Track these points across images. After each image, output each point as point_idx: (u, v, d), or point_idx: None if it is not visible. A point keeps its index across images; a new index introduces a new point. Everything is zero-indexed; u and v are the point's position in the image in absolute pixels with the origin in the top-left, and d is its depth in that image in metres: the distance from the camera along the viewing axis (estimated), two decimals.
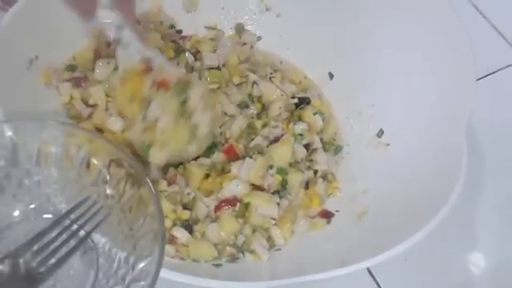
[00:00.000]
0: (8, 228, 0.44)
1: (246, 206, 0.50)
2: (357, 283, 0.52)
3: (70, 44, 0.55)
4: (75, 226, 0.43)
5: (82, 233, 0.43)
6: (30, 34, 0.50)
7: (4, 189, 0.44)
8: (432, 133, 0.51)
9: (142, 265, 0.39)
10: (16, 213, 0.45)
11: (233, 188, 0.51)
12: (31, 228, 0.43)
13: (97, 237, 0.43)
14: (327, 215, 0.52)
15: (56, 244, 0.42)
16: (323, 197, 0.54)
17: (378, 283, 0.52)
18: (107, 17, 0.49)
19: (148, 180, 0.41)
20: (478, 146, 0.63)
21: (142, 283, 0.38)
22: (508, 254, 0.57)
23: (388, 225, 0.47)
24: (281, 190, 0.53)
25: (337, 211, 0.53)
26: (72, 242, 0.42)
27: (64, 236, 0.42)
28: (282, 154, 0.53)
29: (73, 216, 0.43)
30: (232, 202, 0.50)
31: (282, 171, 0.53)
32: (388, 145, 0.56)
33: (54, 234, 0.42)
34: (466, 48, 0.52)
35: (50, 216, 0.45)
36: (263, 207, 0.50)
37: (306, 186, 0.54)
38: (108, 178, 0.43)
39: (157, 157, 0.49)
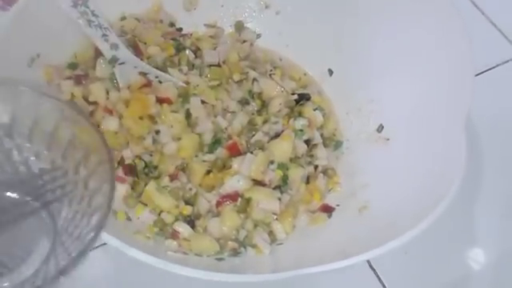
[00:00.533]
0: None
1: (248, 201, 0.51)
2: (357, 276, 0.52)
3: (71, 42, 0.55)
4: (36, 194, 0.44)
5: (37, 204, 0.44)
6: (31, 33, 0.50)
7: None
8: (431, 127, 0.51)
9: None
10: None
11: (234, 183, 0.51)
12: None
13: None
14: (328, 210, 0.53)
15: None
16: (324, 192, 0.54)
17: (378, 276, 0.53)
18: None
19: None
20: (477, 141, 0.63)
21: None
22: (508, 249, 0.57)
23: (388, 218, 0.47)
24: (282, 185, 0.53)
25: (337, 206, 0.53)
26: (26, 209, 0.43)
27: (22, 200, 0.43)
28: (282, 149, 0.53)
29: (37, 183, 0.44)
30: (233, 197, 0.51)
31: (282, 166, 0.53)
32: (388, 139, 0.56)
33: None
34: (464, 43, 0.52)
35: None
36: (264, 202, 0.51)
37: (307, 180, 0.55)
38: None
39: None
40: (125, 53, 0.55)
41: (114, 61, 0.54)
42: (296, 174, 0.53)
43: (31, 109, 0.43)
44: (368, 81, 0.59)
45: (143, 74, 0.55)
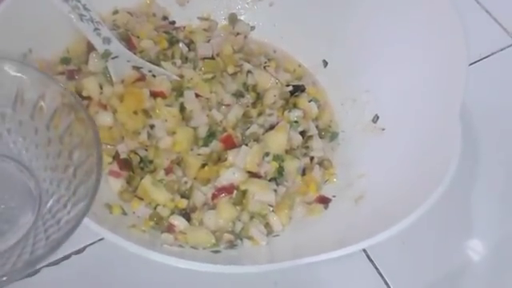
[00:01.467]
0: None
1: (243, 193, 0.51)
2: (355, 268, 0.52)
3: (63, 37, 0.55)
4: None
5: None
6: (22, 28, 0.50)
7: None
8: (427, 116, 0.51)
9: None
10: None
11: (229, 176, 0.51)
12: None
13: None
14: (324, 201, 0.53)
15: None
16: (320, 183, 0.54)
17: (376, 267, 0.53)
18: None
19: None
20: (472, 130, 0.63)
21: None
22: (505, 237, 0.57)
23: (384, 207, 0.47)
24: (277, 177, 0.53)
25: (334, 196, 0.53)
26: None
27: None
28: (277, 141, 0.53)
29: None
30: (229, 189, 0.50)
31: (278, 158, 0.53)
32: (383, 129, 0.56)
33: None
34: (458, 32, 0.52)
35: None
36: (260, 194, 0.50)
37: (303, 172, 0.54)
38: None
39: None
40: (117, 47, 0.55)
41: (106, 55, 0.54)
42: (291, 165, 0.53)
43: (36, 88, 0.43)
44: (363, 71, 0.59)
45: (136, 69, 0.55)
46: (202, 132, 0.54)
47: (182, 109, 0.54)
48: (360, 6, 0.59)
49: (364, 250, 0.53)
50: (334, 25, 0.61)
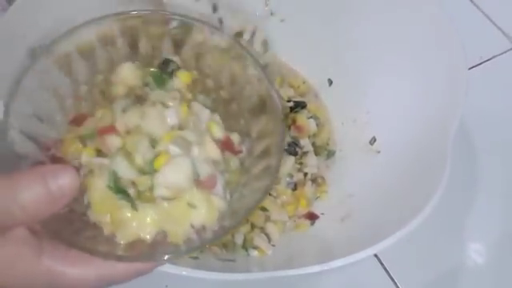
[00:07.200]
0: None
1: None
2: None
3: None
4: None
5: None
6: (34, 25, 0.50)
7: None
8: (420, 143, 0.51)
9: None
10: None
11: None
12: None
13: None
14: (312, 217, 0.53)
15: None
16: (311, 199, 0.55)
17: (385, 268, 0.54)
18: None
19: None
20: (472, 134, 0.64)
21: None
22: (506, 238, 0.58)
23: (367, 229, 0.47)
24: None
25: (322, 214, 0.54)
26: None
27: None
28: None
29: None
30: None
31: None
32: (379, 152, 0.56)
33: None
34: (458, 57, 0.51)
35: None
36: (275, 213, 0.52)
37: (294, 187, 0.55)
38: None
39: None
40: None
41: None
42: None
43: None
44: (365, 92, 0.60)
45: None
46: None
47: None
48: (369, 29, 0.59)
49: (376, 255, 0.55)
50: (340, 45, 0.62)
